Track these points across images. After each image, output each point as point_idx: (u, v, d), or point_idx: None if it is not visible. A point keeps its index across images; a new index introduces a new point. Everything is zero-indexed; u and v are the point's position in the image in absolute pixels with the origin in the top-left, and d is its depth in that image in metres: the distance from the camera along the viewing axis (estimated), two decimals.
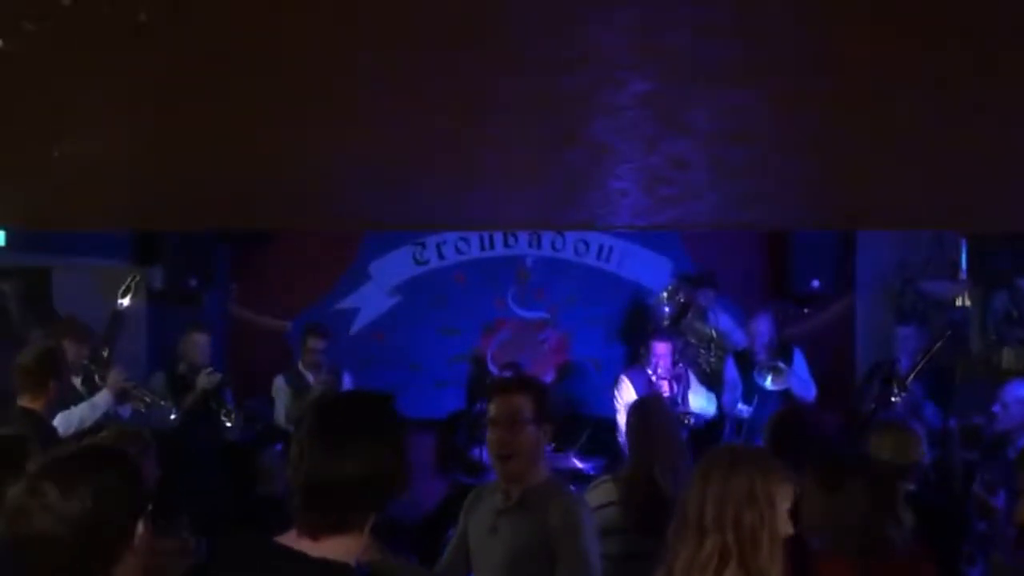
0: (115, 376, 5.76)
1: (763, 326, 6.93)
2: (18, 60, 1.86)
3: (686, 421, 6.78)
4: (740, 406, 6.80)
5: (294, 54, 1.86)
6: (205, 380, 6.53)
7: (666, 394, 6.82)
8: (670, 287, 7.76)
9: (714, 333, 7.48)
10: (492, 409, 3.19)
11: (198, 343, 6.79)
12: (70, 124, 2.54)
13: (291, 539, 1.98)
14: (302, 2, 1.61)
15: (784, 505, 2.49)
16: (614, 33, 1.75)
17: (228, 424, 6.58)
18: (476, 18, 1.69)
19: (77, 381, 5.83)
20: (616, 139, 2.58)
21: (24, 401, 4.49)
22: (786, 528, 2.49)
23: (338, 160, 3.08)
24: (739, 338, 7.47)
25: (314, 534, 1.96)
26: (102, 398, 5.61)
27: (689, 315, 7.39)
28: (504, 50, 1.85)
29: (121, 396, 5.78)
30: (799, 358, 6.99)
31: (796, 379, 6.78)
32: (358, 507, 1.99)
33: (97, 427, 5.09)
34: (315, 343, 7.13)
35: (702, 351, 7.38)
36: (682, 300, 7.54)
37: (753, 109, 2.18)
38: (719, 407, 7.01)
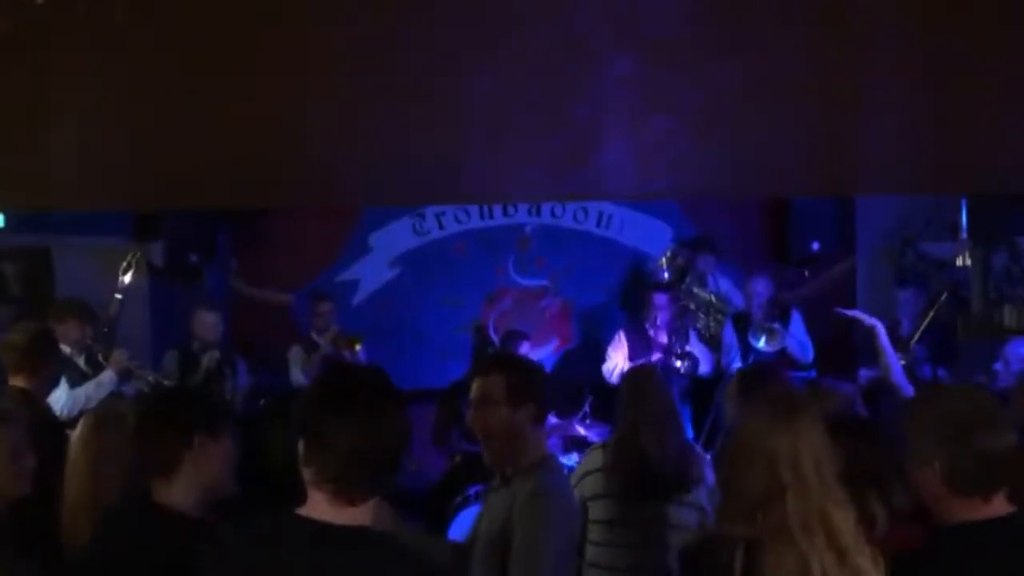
0: (118, 356, 5.84)
1: (760, 287, 6.94)
2: (7, 52, 1.87)
3: (682, 366, 6.84)
4: (736, 367, 6.83)
5: (283, 36, 1.87)
6: (207, 360, 6.62)
7: (663, 342, 6.88)
8: (669, 252, 7.77)
9: (713, 298, 7.50)
10: (472, 389, 3.15)
11: (206, 322, 6.81)
12: (66, 112, 2.56)
13: (311, 511, 2.04)
14: None
15: None
16: (596, 20, 1.76)
17: (228, 398, 6.64)
18: (460, 8, 1.70)
19: (80, 360, 5.87)
20: (604, 117, 2.60)
21: (17, 381, 4.43)
22: None
23: (334, 140, 3.09)
24: (739, 300, 7.49)
25: (352, 501, 2.02)
26: (107, 377, 5.70)
27: (687, 279, 7.41)
28: (491, 38, 1.87)
29: (124, 375, 5.85)
30: (797, 320, 7.00)
31: (793, 341, 6.79)
32: (388, 473, 2.06)
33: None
34: (322, 307, 7.37)
35: (701, 315, 7.41)
36: (681, 264, 7.57)
37: (734, 87, 2.19)
38: (717, 367, 7.06)
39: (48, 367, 4.62)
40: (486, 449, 3.11)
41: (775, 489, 2.26)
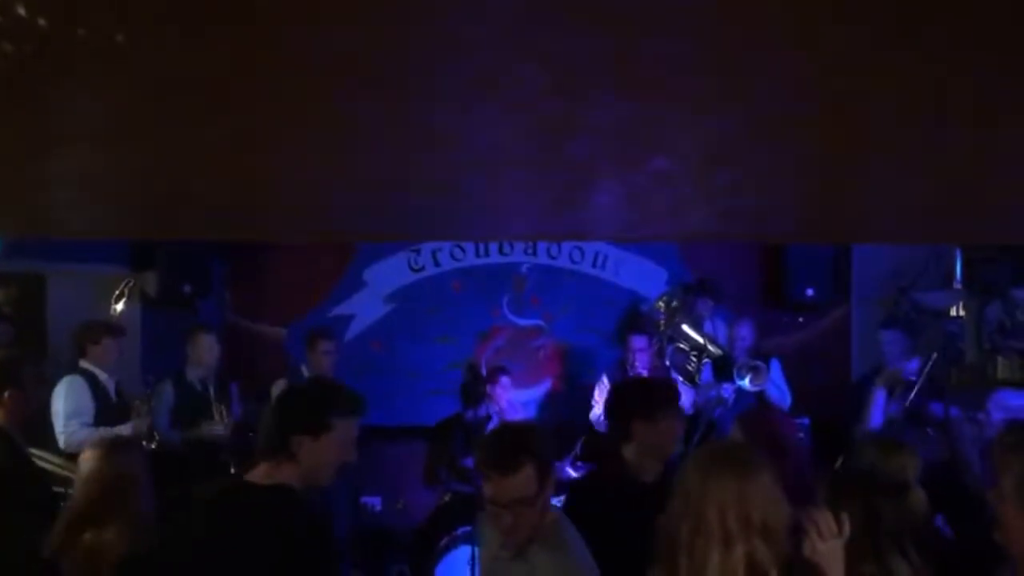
0: (140, 424, 5.89)
1: (745, 331, 7.07)
2: (4, 75, 1.87)
3: None
4: (712, 398, 6.87)
5: (282, 67, 1.87)
6: (207, 431, 6.50)
7: None
8: (667, 294, 7.76)
9: (709, 344, 7.49)
10: None
11: (204, 343, 6.71)
12: (63, 137, 2.55)
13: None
14: (280, 26, 1.62)
15: None
16: (594, 59, 1.76)
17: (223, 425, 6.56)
18: (456, 46, 1.71)
19: (111, 386, 5.95)
20: (599, 158, 2.60)
21: None
22: None
23: (329, 175, 3.09)
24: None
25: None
26: (127, 429, 5.74)
27: (676, 319, 7.39)
28: (487, 76, 1.87)
29: (140, 431, 5.89)
30: (776, 367, 7.09)
31: (773, 386, 6.86)
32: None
33: None
34: (326, 345, 7.03)
35: (692, 358, 7.38)
36: (676, 306, 7.55)
37: (732, 133, 2.19)
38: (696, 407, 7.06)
39: (14, 399, 4.48)
40: None
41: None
